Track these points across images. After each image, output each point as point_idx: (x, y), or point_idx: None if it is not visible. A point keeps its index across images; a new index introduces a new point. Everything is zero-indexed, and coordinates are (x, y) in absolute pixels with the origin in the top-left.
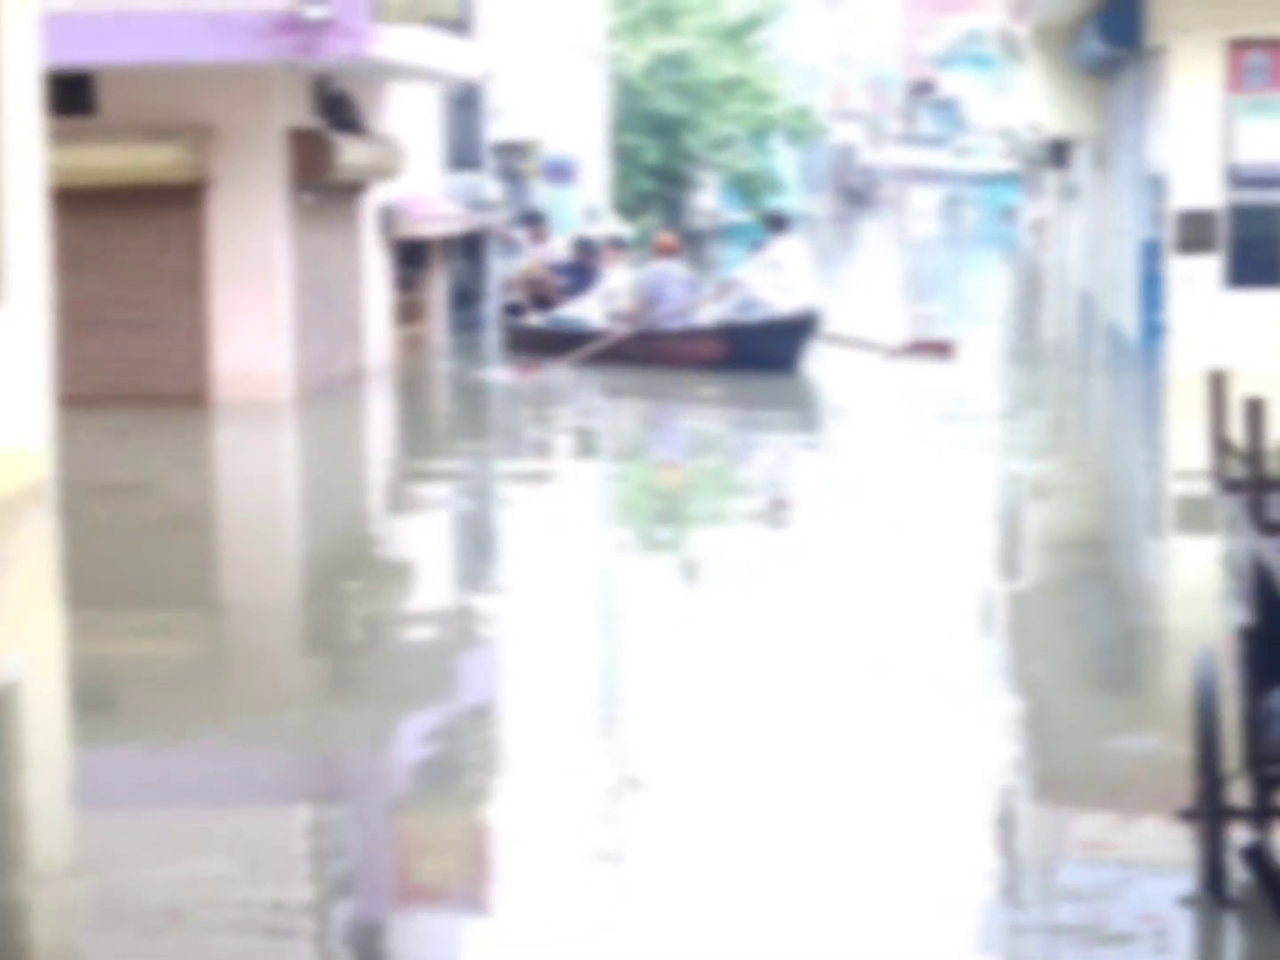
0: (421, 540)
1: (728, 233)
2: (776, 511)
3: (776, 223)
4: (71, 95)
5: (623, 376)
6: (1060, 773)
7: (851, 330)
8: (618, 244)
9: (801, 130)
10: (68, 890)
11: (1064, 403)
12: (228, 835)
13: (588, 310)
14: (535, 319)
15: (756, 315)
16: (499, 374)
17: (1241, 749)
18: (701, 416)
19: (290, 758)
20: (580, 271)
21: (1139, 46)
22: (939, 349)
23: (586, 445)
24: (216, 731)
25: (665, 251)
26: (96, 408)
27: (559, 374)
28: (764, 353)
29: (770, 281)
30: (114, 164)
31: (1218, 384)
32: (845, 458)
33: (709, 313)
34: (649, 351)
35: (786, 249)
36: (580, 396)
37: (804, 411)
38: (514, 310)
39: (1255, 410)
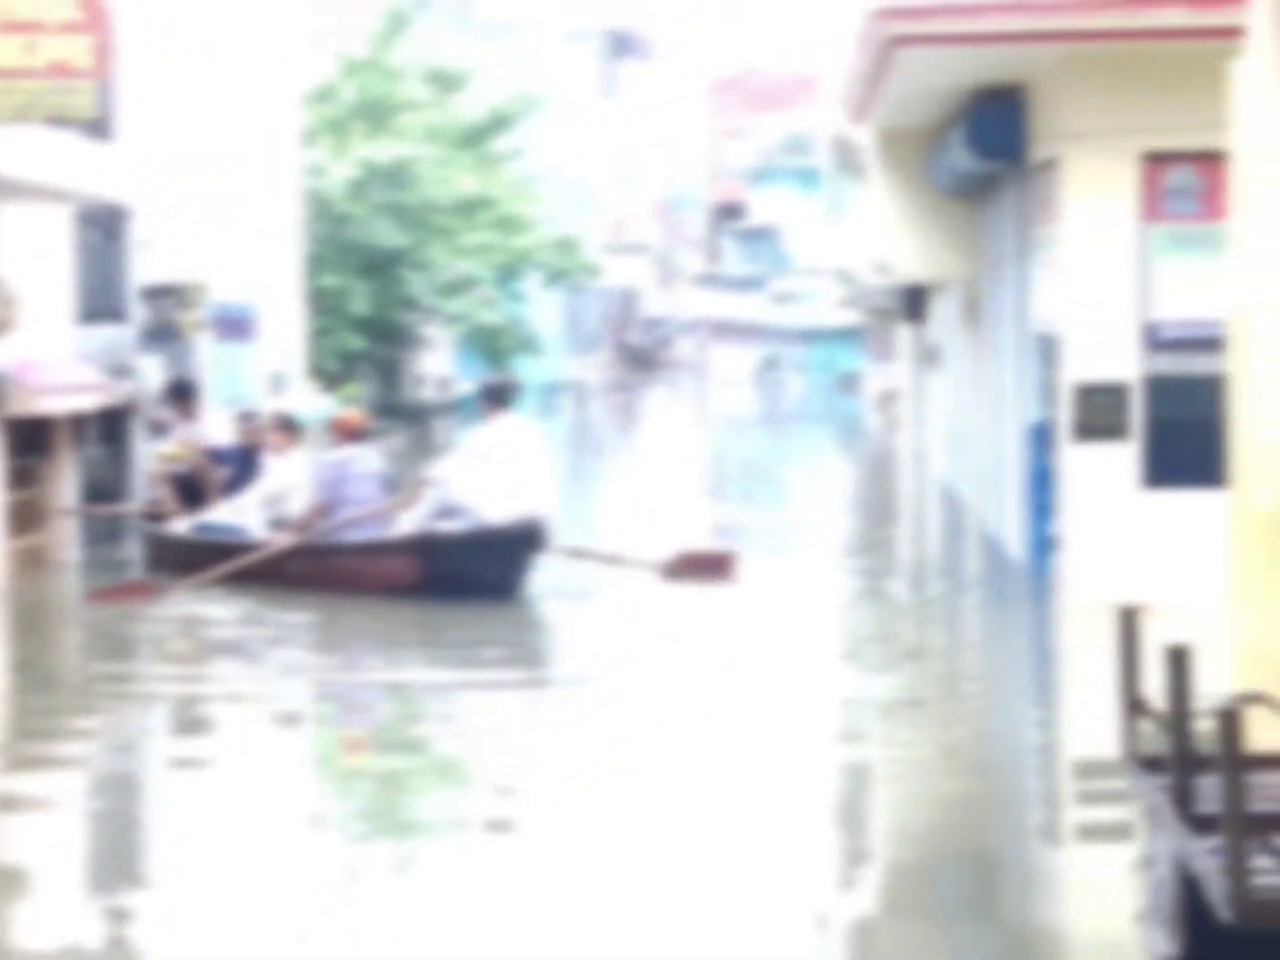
0: (30, 845)
1: (463, 407)
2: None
3: (495, 395)
4: None
5: (284, 606)
6: None
7: (607, 545)
8: (286, 424)
9: (565, 269)
10: None
11: (919, 650)
12: None
13: (246, 513)
14: (180, 525)
15: (459, 524)
16: (94, 600)
17: None
18: (394, 667)
19: None
20: (247, 460)
21: (1022, 160)
22: (716, 565)
23: (239, 716)
24: None
25: (349, 435)
26: None
27: (189, 601)
28: (469, 574)
29: (480, 478)
30: None
31: (1129, 623)
32: (594, 727)
33: (405, 520)
34: (321, 571)
35: (506, 432)
36: (237, 642)
37: (538, 661)
38: (155, 516)
39: (1179, 660)
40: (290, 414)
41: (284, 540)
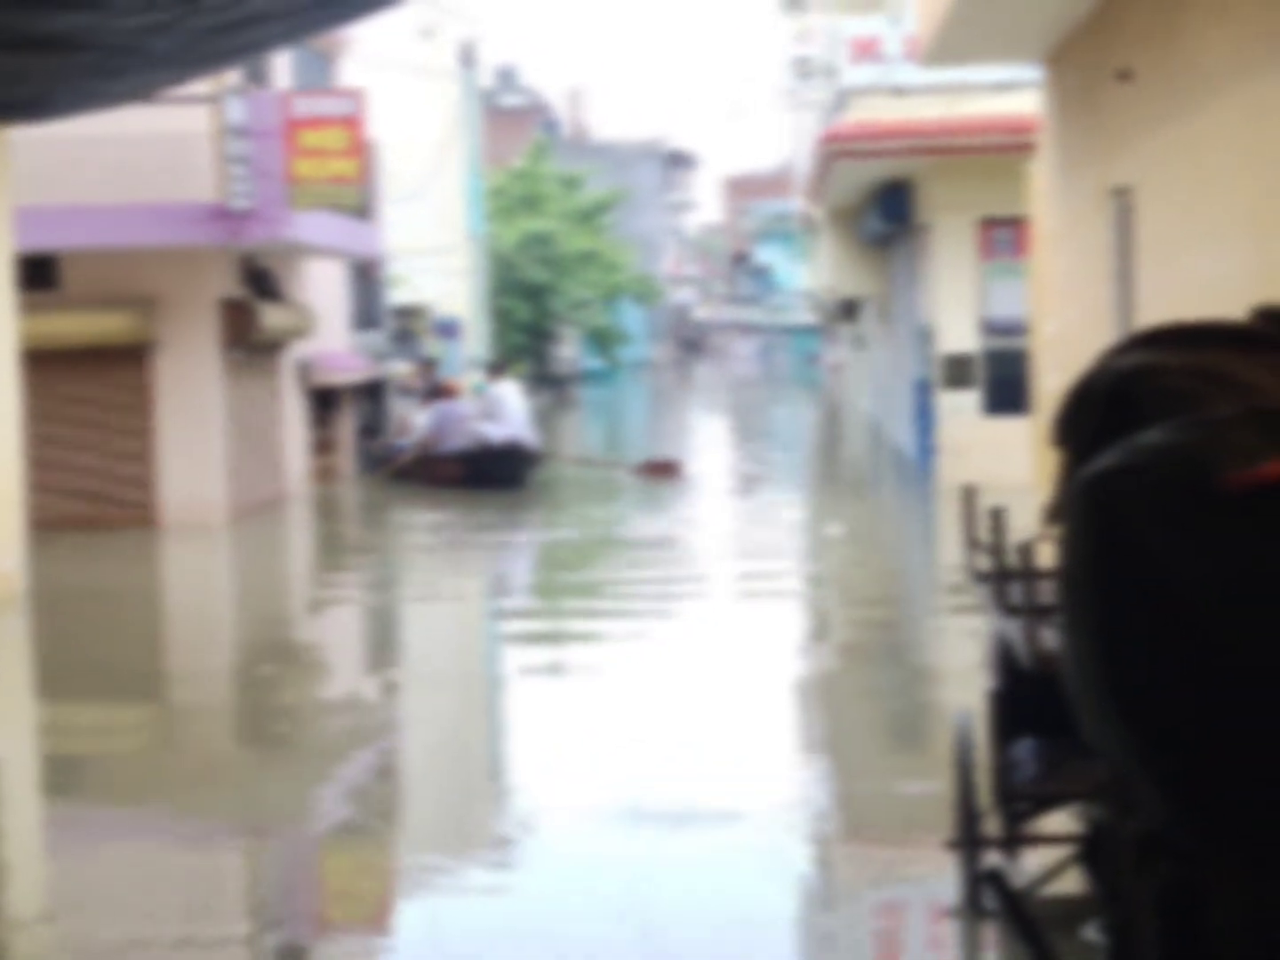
0: (330, 632)
1: (585, 376)
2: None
3: (496, 369)
4: (39, 273)
5: (415, 493)
6: (856, 814)
7: (593, 453)
8: (436, 390)
9: (644, 293)
10: (40, 934)
11: (857, 512)
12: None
13: (411, 439)
14: (390, 446)
15: (481, 444)
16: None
17: (992, 790)
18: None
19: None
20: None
21: (910, 224)
22: (667, 469)
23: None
24: (169, 785)
25: (448, 394)
26: (62, 531)
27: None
28: (489, 474)
29: (489, 417)
30: (74, 329)
31: (969, 496)
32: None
33: (458, 442)
34: (424, 472)
35: (504, 391)
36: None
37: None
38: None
39: (997, 517)
40: (441, 382)
41: (411, 453)
